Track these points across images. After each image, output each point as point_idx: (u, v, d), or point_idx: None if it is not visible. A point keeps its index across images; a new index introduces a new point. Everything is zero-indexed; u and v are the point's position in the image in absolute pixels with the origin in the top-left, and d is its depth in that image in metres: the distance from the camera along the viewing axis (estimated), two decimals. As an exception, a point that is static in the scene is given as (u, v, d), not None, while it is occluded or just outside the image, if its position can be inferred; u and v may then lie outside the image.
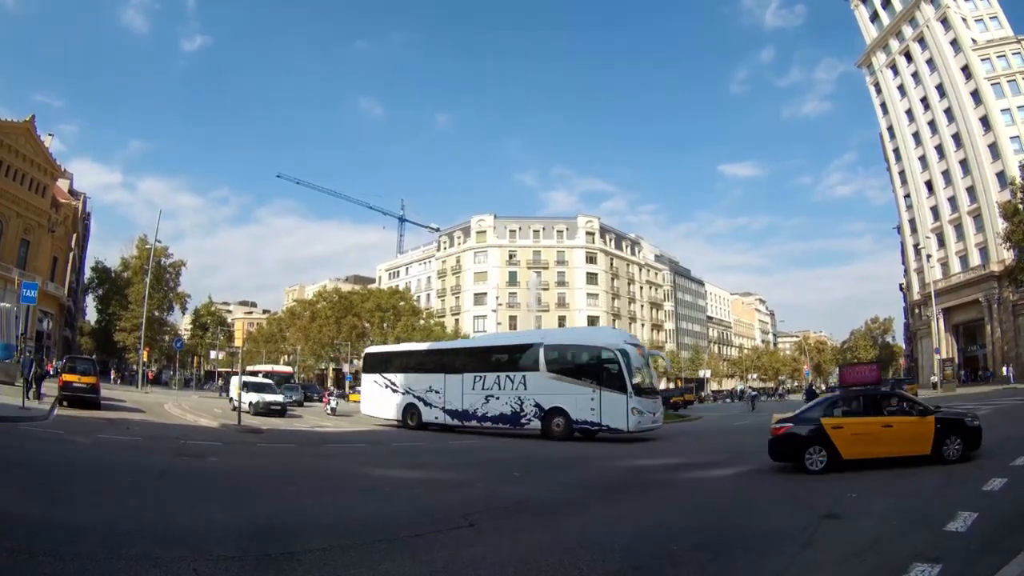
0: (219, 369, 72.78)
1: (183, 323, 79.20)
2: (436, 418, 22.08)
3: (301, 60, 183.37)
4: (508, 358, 21.10)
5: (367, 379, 25.63)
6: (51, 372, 30.17)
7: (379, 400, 24.31)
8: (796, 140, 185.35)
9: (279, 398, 29.78)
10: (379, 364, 25.37)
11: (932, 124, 58.19)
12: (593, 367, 18.72)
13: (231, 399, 30.34)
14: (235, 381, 31.81)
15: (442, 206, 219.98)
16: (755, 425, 21.57)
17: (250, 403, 27.45)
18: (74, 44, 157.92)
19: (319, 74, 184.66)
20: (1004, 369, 44.06)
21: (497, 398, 20.25)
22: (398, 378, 23.77)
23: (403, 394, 23.25)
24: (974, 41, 54.79)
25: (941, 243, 58.04)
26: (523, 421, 19.53)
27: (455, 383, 21.51)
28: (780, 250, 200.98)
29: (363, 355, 27.11)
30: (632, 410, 17.50)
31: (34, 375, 22.51)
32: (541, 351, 19.67)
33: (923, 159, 59.97)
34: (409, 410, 22.90)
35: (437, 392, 22.03)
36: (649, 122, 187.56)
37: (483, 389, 20.66)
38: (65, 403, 21.66)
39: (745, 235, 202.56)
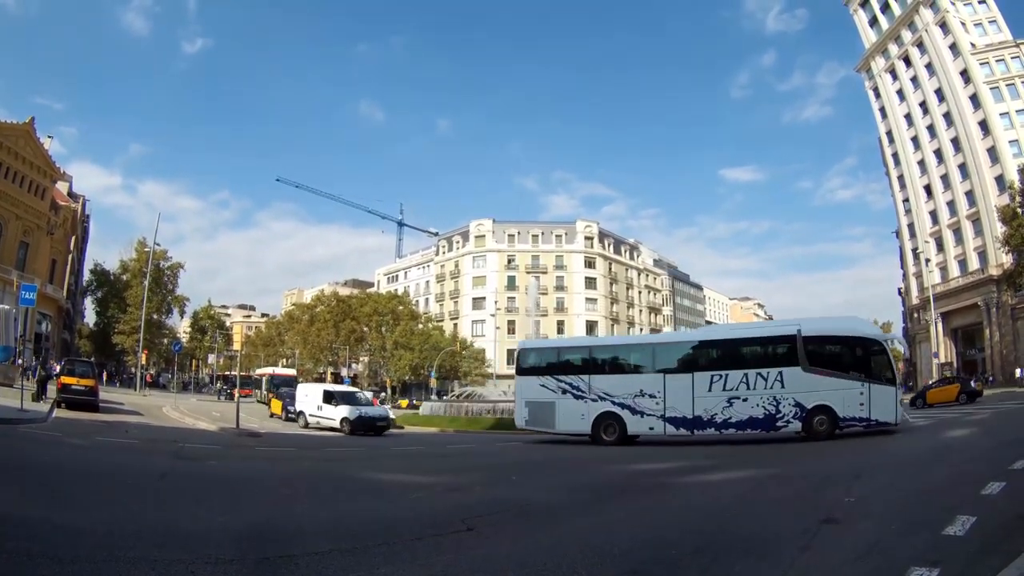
0: (217, 372, 72.81)
1: (182, 326, 79.18)
2: (651, 428, 18.38)
3: (302, 63, 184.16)
4: (755, 352, 18.35)
5: (527, 383, 20.80)
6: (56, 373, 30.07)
7: (551, 409, 19.83)
8: (797, 144, 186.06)
9: (384, 411, 25.13)
10: (550, 363, 20.93)
11: (931, 128, 58.37)
12: (861, 359, 17.01)
13: (300, 414, 25.98)
14: (306, 390, 27.17)
15: (442, 210, 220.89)
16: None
17: (344, 419, 23.28)
18: (74, 46, 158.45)
19: (320, 77, 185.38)
20: (1018, 372, 43.76)
21: (744, 400, 17.25)
22: (586, 380, 19.46)
23: (595, 401, 19.09)
24: (973, 45, 55.03)
25: (940, 247, 58.16)
26: (779, 424, 16.96)
27: (681, 384, 18.02)
28: (780, 254, 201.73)
29: (519, 351, 22.20)
30: (900, 401, 16.55)
31: (40, 377, 22.58)
32: (799, 343, 17.19)
33: (922, 163, 60.14)
34: (604, 420, 18.80)
35: (653, 396, 18.27)
36: (650, 126, 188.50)
37: (724, 390, 17.49)
38: (63, 405, 21.68)
39: (746, 239, 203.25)
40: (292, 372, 54.38)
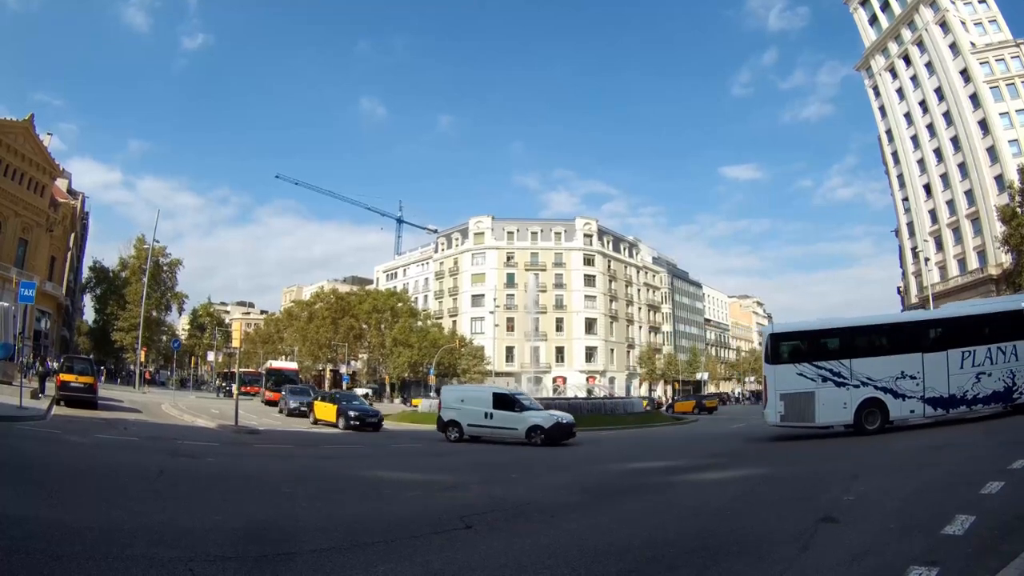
0: (216, 370, 72.77)
1: (181, 323, 79.13)
2: (912, 412, 17.37)
3: (303, 61, 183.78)
4: (992, 328, 18.13)
5: (782, 372, 18.60)
6: (52, 370, 29.89)
7: (810, 401, 17.91)
8: (798, 143, 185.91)
9: (571, 416, 21.37)
10: (806, 349, 18.94)
11: (930, 128, 58.28)
12: None
13: (451, 424, 21.38)
14: (459, 394, 23.08)
15: (442, 208, 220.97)
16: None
17: (535, 427, 19.73)
18: (75, 42, 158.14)
19: (321, 75, 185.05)
20: None
21: (989, 374, 17.16)
22: (847, 365, 17.84)
23: (857, 387, 17.56)
24: (973, 45, 54.91)
25: (939, 246, 58.09)
26: (1015, 396, 16.98)
27: (936, 363, 17.37)
28: (780, 253, 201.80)
29: (770, 336, 19.81)
30: None
31: (39, 373, 22.55)
32: None
33: (921, 162, 60.06)
34: (867, 407, 17.42)
35: (914, 377, 17.32)
36: (651, 125, 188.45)
37: (973, 366, 17.27)
38: (62, 403, 21.66)
39: (746, 238, 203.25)
40: (294, 366, 54.09)
